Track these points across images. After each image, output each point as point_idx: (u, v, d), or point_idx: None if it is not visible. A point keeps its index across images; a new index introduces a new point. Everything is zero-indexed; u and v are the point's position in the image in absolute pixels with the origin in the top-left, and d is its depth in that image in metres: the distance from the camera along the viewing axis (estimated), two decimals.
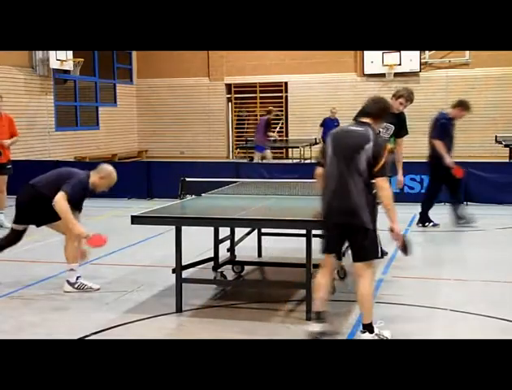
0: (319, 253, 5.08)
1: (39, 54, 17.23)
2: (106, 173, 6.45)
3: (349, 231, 4.83)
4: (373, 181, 4.79)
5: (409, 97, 7.08)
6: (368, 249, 4.80)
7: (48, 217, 6.27)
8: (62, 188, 6.12)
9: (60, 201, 6.04)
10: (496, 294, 6.22)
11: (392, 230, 4.81)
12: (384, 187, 4.71)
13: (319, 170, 5.03)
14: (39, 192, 6.28)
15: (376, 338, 4.77)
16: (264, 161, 15.88)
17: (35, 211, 6.37)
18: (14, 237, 6.59)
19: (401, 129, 7.29)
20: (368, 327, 4.81)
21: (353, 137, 4.80)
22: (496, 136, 17.85)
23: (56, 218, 6.22)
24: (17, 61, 16.51)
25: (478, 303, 5.88)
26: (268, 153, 16.70)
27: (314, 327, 4.89)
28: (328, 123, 17.35)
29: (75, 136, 19.06)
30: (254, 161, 16.23)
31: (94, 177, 6.39)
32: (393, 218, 4.78)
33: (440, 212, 10.03)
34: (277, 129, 20.98)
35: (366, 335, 4.79)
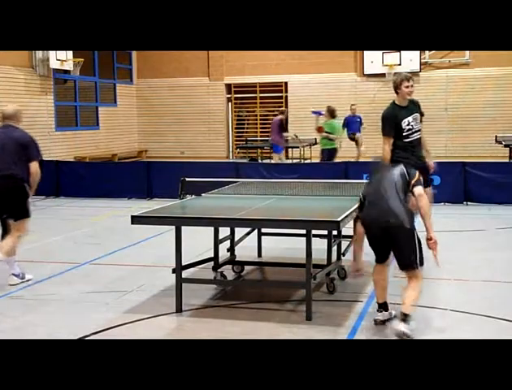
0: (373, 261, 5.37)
1: (39, 54, 17.23)
2: (15, 111, 6.61)
3: (390, 234, 4.99)
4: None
5: (406, 77, 6.91)
6: (407, 257, 4.98)
7: (16, 206, 6.44)
8: (32, 157, 6.35)
9: (38, 170, 6.35)
10: (496, 294, 6.22)
11: (430, 239, 5.03)
12: (421, 194, 5.06)
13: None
14: (19, 178, 6.38)
15: (404, 330, 4.79)
16: (279, 161, 15.86)
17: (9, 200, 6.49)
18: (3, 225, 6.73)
19: (420, 113, 7.17)
20: (406, 317, 4.86)
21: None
22: (496, 136, 17.85)
23: (17, 214, 6.42)
24: (17, 61, 16.50)
25: (478, 303, 5.88)
26: (283, 153, 16.78)
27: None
28: (350, 121, 17.15)
29: (75, 136, 19.06)
30: (273, 161, 16.17)
31: (19, 124, 6.57)
32: (430, 227, 5.03)
33: (443, 212, 10.01)
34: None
35: (402, 326, 4.83)
